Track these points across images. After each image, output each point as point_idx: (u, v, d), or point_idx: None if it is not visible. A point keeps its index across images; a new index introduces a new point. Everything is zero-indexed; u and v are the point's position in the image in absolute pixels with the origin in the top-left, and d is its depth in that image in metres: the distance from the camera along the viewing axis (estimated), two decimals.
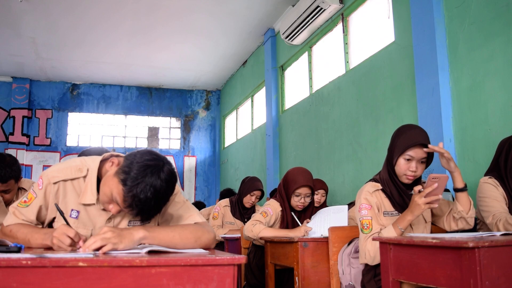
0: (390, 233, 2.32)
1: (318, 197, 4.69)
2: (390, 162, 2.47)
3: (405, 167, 2.39)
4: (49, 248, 1.63)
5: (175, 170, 1.71)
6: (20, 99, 10.33)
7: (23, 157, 10.11)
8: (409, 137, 2.40)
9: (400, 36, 4.66)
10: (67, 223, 1.67)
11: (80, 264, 1.14)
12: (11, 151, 9.96)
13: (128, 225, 1.85)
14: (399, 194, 2.47)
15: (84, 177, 1.82)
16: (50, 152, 10.43)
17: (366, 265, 2.45)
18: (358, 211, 2.47)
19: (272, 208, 3.57)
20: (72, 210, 1.82)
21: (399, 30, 4.69)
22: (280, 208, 3.57)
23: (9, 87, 10.36)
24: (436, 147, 2.30)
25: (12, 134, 10.19)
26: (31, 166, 10.27)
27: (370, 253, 2.35)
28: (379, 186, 2.51)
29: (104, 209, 1.80)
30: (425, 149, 2.33)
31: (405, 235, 2.21)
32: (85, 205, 1.82)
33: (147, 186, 1.58)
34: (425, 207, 2.23)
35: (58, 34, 8.02)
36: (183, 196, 1.99)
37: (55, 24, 7.63)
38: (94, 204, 1.81)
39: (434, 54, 4.01)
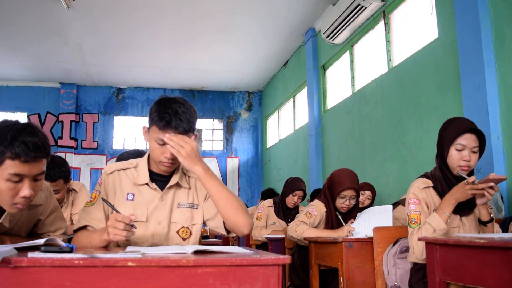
0: (435, 219, 2.27)
1: (364, 197, 4.64)
2: (441, 157, 2.41)
3: (458, 157, 2.33)
4: (106, 247, 1.73)
5: None
6: (68, 104, 10.65)
7: (72, 160, 10.41)
8: (457, 125, 2.35)
9: (444, 32, 4.57)
10: (117, 212, 1.79)
11: (129, 264, 1.18)
12: (60, 155, 10.21)
13: (178, 206, 2.04)
14: None
15: (135, 167, 2.03)
16: (97, 155, 10.70)
17: (415, 264, 2.41)
18: (407, 205, 2.44)
19: (316, 209, 3.55)
20: (128, 193, 1.98)
21: (443, 26, 4.60)
22: (325, 209, 3.55)
23: (57, 92, 10.70)
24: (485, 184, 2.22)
25: (61, 138, 10.52)
26: (79, 168, 10.56)
27: (419, 246, 2.31)
28: (430, 183, 2.46)
29: (155, 189, 2.00)
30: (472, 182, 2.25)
31: (453, 235, 2.18)
32: (140, 185, 2.00)
33: None
34: (470, 192, 2.19)
35: (103, 40, 8.23)
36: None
37: (100, 31, 7.84)
38: (147, 184, 1.99)
39: (480, 50, 3.92)
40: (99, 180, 2.04)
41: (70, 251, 1.27)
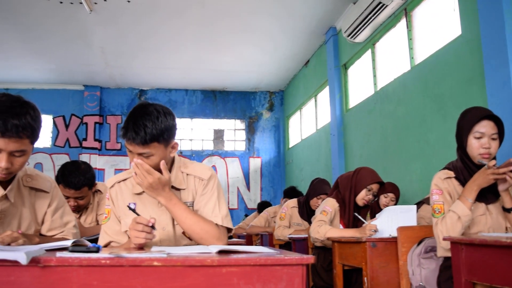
0: (459, 207, 2.26)
1: (387, 200, 4.61)
2: (461, 147, 2.40)
3: (477, 145, 2.31)
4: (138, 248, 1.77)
5: None
6: (92, 106, 10.78)
7: (96, 161, 10.54)
8: (473, 113, 2.35)
9: (467, 29, 4.51)
10: (138, 214, 1.83)
11: (155, 263, 1.20)
12: (85, 156, 10.42)
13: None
14: None
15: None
16: (120, 156, 10.81)
17: (445, 261, 2.38)
18: (430, 197, 2.43)
19: (330, 205, 3.67)
20: (129, 204, 1.98)
21: (466, 22, 4.54)
22: (338, 205, 3.67)
23: (81, 95, 10.84)
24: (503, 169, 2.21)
25: (85, 139, 10.65)
26: (104, 169, 10.68)
27: (443, 232, 2.29)
28: (451, 174, 2.45)
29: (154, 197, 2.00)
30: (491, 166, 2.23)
31: (479, 235, 2.15)
32: (138, 195, 2.04)
33: None
34: (492, 176, 2.17)
35: (126, 42, 8.32)
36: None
37: (123, 34, 7.92)
38: (144, 192, 1.99)
39: (504, 46, 3.86)
40: (107, 195, 2.09)
41: (97, 251, 1.30)
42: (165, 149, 1.92)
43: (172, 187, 2.02)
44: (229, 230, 2.07)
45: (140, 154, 1.88)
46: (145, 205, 2.01)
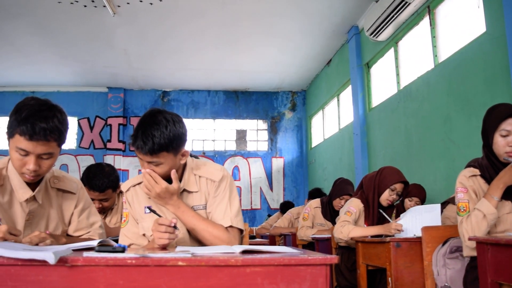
0: (484, 204, 2.23)
1: (412, 204, 4.56)
2: (486, 144, 2.37)
3: (503, 143, 2.28)
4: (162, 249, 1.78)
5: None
6: (116, 107, 10.91)
7: (120, 162, 10.66)
8: (499, 111, 2.31)
9: (492, 26, 4.45)
10: (159, 216, 1.86)
11: (180, 263, 1.21)
12: (109, 157, 10.55)
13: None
14: None
15: None
16: None
17: (471, 260, 2.35)
18: (455, 195, 2.41)
19: (354, 205, 3.64)
20: (145, 207, 2.03)
21: (491, 19, 4.47)
22: (362, 205, 3.64)
23: (105, 97, 10.98)
24: None
25: (109, 141, 10.78)
26: (128, 170, 10.79)
27: (469, 231, 2.26)
28: (477, 171, 2.42)
29: None
30: None
31: (506, 235, 2.12)
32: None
33: None
34: None
35: (148, 44, 8.40)
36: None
37: (145, 36, 8.00)
38: None
39: None
40: (124, 199, 2.11)
41: (123, 251, 1.31)
42: (174, 158, 1.92)
43: (184, 190, 2.03)
44: (241, 230, 2.06)
45: (149, 162, 1.90)
46: (160, 208, 2.02)
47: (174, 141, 1.87)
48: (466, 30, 5.01)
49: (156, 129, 1.83)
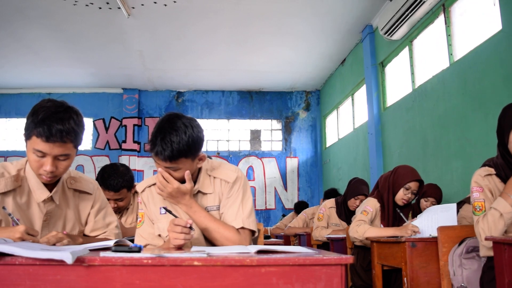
0: (501, 203, 2.20)
1: (428, 204, 4.53)
2: (502, 143, 2.34)
3: None
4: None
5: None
6: (130, 108, 10.98)
7: (135, 163, 10.72)
8: None
9: (508, 24, 4.40)
10: (175, 216, 1.88)
11: (195, 263, 1.22)
12: (124, 158, 10.61)
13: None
14: None
15: None
16: None
17: (488, 261, 2.33)
18: (470, 195, 2.38)
19: (370, 205, 3.62)
20: (160, 208, 2.04)
21: (507, 17, 4.42)
22: (379, 205, 3.61)
23: (120, 98, 11.06)
24: None
25: (124, 141, 10.85)
26: (143, 171, 10.85)
27: (485, 230, 2.23)
28: (492, 171, 2.39)
29: None
30: None
31: None
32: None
33: None
34: None
35: (162, 45, 8.44)
36: None
37: (159, 37, 8.04)
38: None
39: None
40: (139, 200, 2.11)
41: (139, 250, 1.33)
42: (192, 162, 1.93)
43: (199, 191, 2.04)
44: (253, 232, 2.05)
45: (167, 167, 1.91)
46: (175, 208, 2.02)
47: (193, 147, 1.87)
48: (481, 28, 4.97)
49: (175, 135, 1.83)
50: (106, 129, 10.98)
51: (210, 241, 2.02)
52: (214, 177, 2.07)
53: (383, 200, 3.60)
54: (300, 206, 7.45)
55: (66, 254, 1.16)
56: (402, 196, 3.51)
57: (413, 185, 3.51)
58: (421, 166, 5.87)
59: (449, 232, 2.66)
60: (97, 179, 3.00)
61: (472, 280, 2.42)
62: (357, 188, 4.80)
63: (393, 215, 3.55)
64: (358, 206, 4.78)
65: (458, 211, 3.79)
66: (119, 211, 3.19)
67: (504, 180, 2.33)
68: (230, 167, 2.13)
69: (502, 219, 2.19)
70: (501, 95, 4.47)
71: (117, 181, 3.00)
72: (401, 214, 3.46)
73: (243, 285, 1.22)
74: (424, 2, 5.70)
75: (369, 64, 7.68)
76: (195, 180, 2.03)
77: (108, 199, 2.99)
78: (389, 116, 7.22)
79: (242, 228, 2.00)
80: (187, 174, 1.92)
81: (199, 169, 2.05)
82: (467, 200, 3.93)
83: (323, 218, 4.94)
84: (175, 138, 1.82)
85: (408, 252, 2.82)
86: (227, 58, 9.12)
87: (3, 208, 1.82)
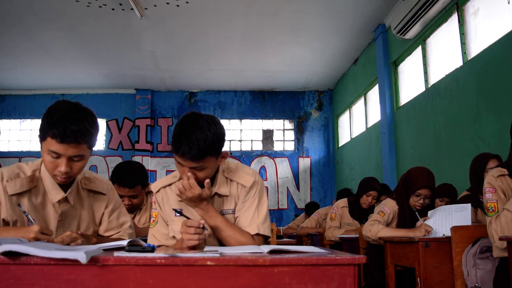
0: None
1: (443, 204, 4.49)
2: None
3: None
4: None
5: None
6: (143, 109, 11.04)
7: (148, 163, 10.77)
8: None
9: None
10: (187, 218, 1.87)
11: (208, 263, 1.22)
12: (137, 158, 10.67)
13: (221, 213, 2.05)
14: None
15: (180, 179, 2.02)
16: (172, 157, 10.92)
17: (501, 261, 2.31)
18: (483, 196, 2.36)
19: (388, 207, 3.55)
20: (174, 209, 2.04)
21: None
22: (397, 207, 3.53)
23: (133, 98, 11.12)
24: None
25: (137, 142, 10.91)
26: (155, 171, 10.90)
27: (498, 232, 2.21)
28: (505, 171, 2.37)
29: None
30: None
31: None
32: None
33: None
34: None
35: (175, 46, 8.48)
36: None
37: (172, 37, 8.08)
38: None
39: None
40: (153, 199, 2.11)
41: (152, 250, 1.33)
42: (216, 160, 1.93)
43: (216, 193, 2.03)
44: (267, 237, 2.04)
45: (192, 168, 1.88)
46: (190, 211, 2.02)
47: (218, 143, 1.86)
48: (495, 27, 4.92)
49: (200, 133, 1.81)
50: (119, 129, 11.04)
51: (223, 245, 2.02)
52: (231, 180, 2.06)
53: (402, 203, 3.54)
54: (311, 207, 7.42)
55: (80, 254, 1.17)
56: (414, 202, 3.43)
57: (423, 191, 3.40)
58: (435, 165, 5.84)
59: (462, 232, 2.64)
60: (111, 176, 3.02)
61: (486, 280, 2.40)
62: (367, 184, 4.78)
63: (410, 219, 3.49)
64: (370, 202, 4.77)
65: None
66: (133, 209, 3.20)
67: None
68: (248, 170, 2.11)
69: None
70: None
71: (132, 178, 3.00)
72: (417, 213, 3.42)
73: (256, 285, 1.22)
74: (437, 0, 5.67)
75: (382, 64, 7.65)
76: (212, 179, 2.01)
77: (122, 196, 3.01)
78: (402, 115, 7.18)
79: (257, 234, 1.99)
80: (207, 183, 1.90)
81: (217, 170, 2.04)
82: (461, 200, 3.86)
83: (335, 218, 4.93)
84: (200, 136, 1.80)
85: (421, 252, 2.80)
86: (239, 58, 9.14)
87: (19, 205, 1.84)
